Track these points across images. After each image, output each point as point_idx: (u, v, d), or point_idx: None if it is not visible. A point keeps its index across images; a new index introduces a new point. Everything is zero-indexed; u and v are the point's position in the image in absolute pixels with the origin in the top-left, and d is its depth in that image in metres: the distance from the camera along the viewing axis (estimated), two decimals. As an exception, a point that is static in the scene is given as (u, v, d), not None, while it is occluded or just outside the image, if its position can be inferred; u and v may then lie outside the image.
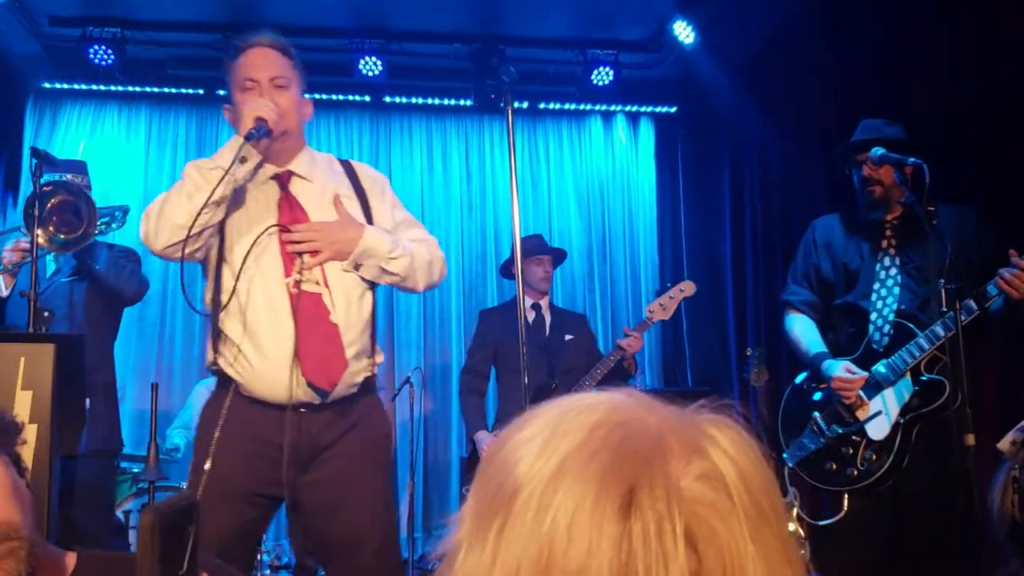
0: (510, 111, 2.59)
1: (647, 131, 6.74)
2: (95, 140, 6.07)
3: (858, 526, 2.90)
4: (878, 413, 2.84)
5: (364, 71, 5.71)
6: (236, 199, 2.20)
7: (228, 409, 2.16)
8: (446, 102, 6.44)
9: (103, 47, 5.43)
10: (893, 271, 2.96)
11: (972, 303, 2.66)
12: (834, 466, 2.92)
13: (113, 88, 5.93)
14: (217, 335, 2.23)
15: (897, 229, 3.01)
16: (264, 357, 2.15)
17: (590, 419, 0.59)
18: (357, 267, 2.25)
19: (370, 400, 2.31)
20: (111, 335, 3.61)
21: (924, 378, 2.81)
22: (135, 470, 4.16)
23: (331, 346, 2.17)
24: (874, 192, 2.99)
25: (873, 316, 2.96)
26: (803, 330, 3.13)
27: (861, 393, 2.88)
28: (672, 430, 0.58)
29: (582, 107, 6.57)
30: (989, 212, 3.07)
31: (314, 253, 2.18)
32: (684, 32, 5.51)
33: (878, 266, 2.99)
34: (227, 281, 2.20)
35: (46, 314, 2.74)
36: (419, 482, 5.28)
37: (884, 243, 3.01)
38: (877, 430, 2.85)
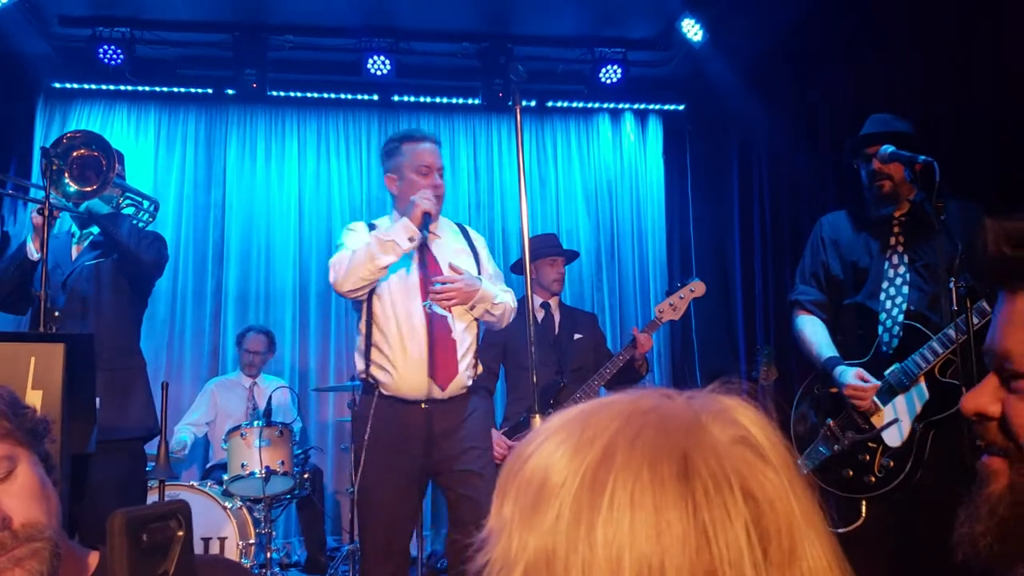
0: (518, 110, 2.58)
1: (655, 129, 6.73)
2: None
3: (876, 532, 2.87)
4: (894, 421, 2.80)
5: (372, 70, 5.71)
6: None
7: (375, 408, 2.92)
8: (454, 101, 6.44)
9: (113, 47, 5.45)
10: (902, 269, 2.92)
11: (986, 305, 2.63)
12: (851, 472, 2.88)
13: (123, 88, 5.97)
14: (368, 349, 3.00)
15: (905, 225, 2.97)
16: (406, 362, 2.93)
17: (619, 411, 0.62)
18: (472, 308, 3.05)
19: (479, 396, 3.13)
20: (138, 317, 3.58)
21: (939, 383, 2.76)
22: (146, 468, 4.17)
23: (450, 355, 2.97)
24: (883, 187, 2.95)
25: (882, 317, 2.92)
26: (813, 332, 3.09)
27: (875, 399, 2.84)
28: (699, 406, 0.63)
29: (590, 105, 6.56)
30: (1001, 210, 3.00)
31: (448, 298, 2.96)
32: (692, 30, 5.50)
33: (886, 264, 2.95)
34: (377, 308, 3.00)
35: (56, 314, 2.75)
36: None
37: (892, 240, 2.97)
38: (894, 437, 2.81)
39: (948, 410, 2.73)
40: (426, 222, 2.93)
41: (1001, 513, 0.89)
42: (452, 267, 3.04)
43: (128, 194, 3.54)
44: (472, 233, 3.26)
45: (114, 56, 5.47)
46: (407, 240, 2.90)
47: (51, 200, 2.86)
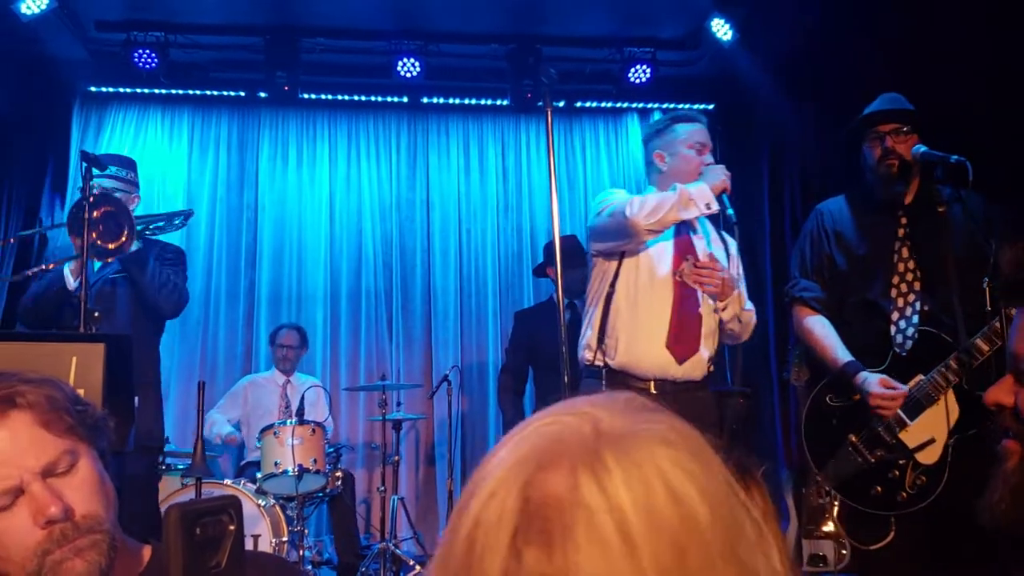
0: (549, 112, 2.60)
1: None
2: (139, 143, 6.20)
3: (907, 547, 2.74)
4: (931, 440, 2.67)
5: (402, 72, 5.75)
6: None
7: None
8: (483, 102, 6.47)
9: (147, 51, 5.54)
10: (912, 264, 2.79)
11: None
12: (880, 489, 2.74)
13: (157, 91, 6.07)
14: (604, 319, 2.92)
15: (912, 213, 2.83)
16: (643, 330, 2.85)
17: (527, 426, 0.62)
18: (725, 307, 2.93)
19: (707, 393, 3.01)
20: (155, 333, 3.66)
21: (968, 396, 2.63)
22: (180, 466, 4.24)
23: (694, 329, 2.87)
24: (892, 167, 2.80)
25: (895, 317, 2.79)
26: (825, 335, 2.91)
27: (902, 413, 2.70)
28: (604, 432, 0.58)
29: (619, 105, 6.55)
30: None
31: (709, 281, 2.86)
32: (722, 29, 5.47)
33: (895, 257, 2.81)
34: (626, 274, 2.93)
35: (96, 314, 2.81)
36: (457, 479, 5.31)
37: (900, 231, 2.84)
38: (928, 455, 2.68)
39: (979, 425, 2.61)
40: (725, 202, 2.89)
41: (1013, 482, 1.13)
42: (712, 256, 2.95)
43: (153, 225, 3.60)
44: (727, 236, 3.19)
45: (148, 60, 5.55)
46: (704, 205, 2.85)
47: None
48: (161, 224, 3.63)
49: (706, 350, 2.92)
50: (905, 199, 2.87)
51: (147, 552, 1.29)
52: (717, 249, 3.05)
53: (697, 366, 2.90)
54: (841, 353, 2.85)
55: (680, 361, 2.86)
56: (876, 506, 2.78)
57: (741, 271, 3.10)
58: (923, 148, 2.77)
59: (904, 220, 2.86)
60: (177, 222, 3.64)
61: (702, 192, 2.86)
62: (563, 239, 4.55)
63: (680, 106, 6.60)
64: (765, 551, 0.57)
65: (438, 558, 0.58)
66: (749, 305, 3.00)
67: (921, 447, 2.69)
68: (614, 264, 2.97)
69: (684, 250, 2.95)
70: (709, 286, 2.87)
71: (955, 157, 2.67)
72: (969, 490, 2.62)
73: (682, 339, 2.86)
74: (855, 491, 2.81)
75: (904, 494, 2.72)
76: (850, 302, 2.93)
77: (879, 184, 2.88)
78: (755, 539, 0.57)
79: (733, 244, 3.14)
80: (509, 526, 0.55)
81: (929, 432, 2.70)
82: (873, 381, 2.73)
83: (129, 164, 3.67)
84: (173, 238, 5.93)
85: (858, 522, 2.95)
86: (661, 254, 2.94)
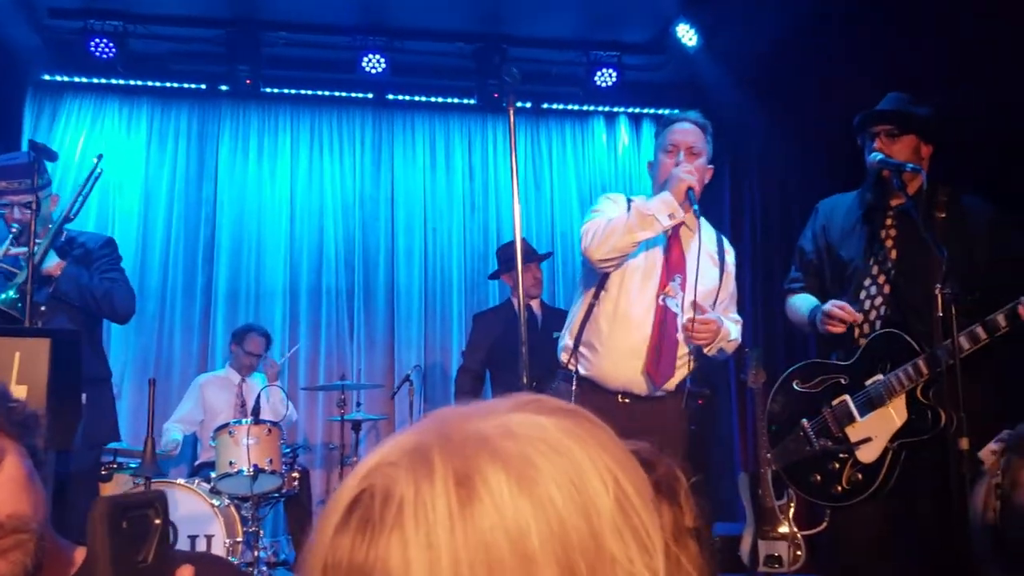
0: (511, 111, 2.58)
1: (649, 133, 6.73)
2: (95, 134, 6.07)
3: (843, 537, 2.83)
4: (868, 439, 2.72)
5: (367, 68, 5.71)
6: None
7: (574, 397, 2.77)
8: (449, 100, 6.44)
9: (104, 40, 5.43)
10: (888, 265, 2.80)
11: (980, 331, 2.53)
12: (819, 478, 2.81)
13: (114, 82, 5.94)
14: (581, 330, 2.86)
15: (899, 219, 2.83)
16: (619, 350, 2.79)
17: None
18: (709, 349, 2.85)
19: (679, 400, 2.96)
20: (95, 325, 3.50)
21: (919, 404, 2.67)
22: (132, 465, 4.16)
23: (671, 354, 2.80)
24: (877, 169, 2.79)
25: (859, 319, 2.82)
26: (803, 301, 3.01)
27: (853, 409, 2.76)
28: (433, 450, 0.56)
29: (585, 108, 6.57)
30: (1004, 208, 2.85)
31: (703, 338, 2.77)
32: (687, 35, 5.51)
33: (872, 261, 2.84)
34: (609, 287, 2.84)
35: (42, 308, 2.73)
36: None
37: (883, 234, 2.84)
38: (866, 453, 2.73)
39: (923, 434, 2.64)
40: (690, 199, 2.75)
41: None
42: (698, 305, 2.80)
43: (74, 212, 3.37)
44: (727, 247, 3.04)
45: (106, 49, 5.44)
46: (667, 217, 2.72)
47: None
48: (81, 202, 3.38)
49: (681, 371, 2.88)
50: (894, 201, 2.84)
51: (80, 554, 1.25)
52: (707, 265, 2.90)
53: (667, 385, 2.85)
54: (808, 307, 2.96)
55: (657, 387, 2.82)
56: (812, 494, 2.86)
57: (734, 287, 3.06)
58: (879, 156, 2.76)
59: (890, 223, 2.85)
60: (92, 184, 3.38)
61: (663, 203, 2.74)
62: (511, 243, 4.60)
63: (646, 111, 6.65)
64: (651, 567, 0.54)
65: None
66: (734, 334, 2.93)
67: (861, 443, 2.74)
68: (600, 275, 2.89)
69: (673, 269, 2.85)
70: (702, 341, 2.79)
71: (911, 165, 2.69)
72: (903, 494, 2.67)
73: (660, 365, 2.79)
74: (797, 476, 2.89)
75: (839, 487, 2.76)
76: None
77: (870, 184, 2.88)
78: (637, 555, 0.54)
79: (731, 256, 3.04)
80: (340, 511, 0.55)
81: (873, 431, 2.73)
82: (829, 303, 2.84)
83: (23, 171, 3.26)
84: (129, 231, 5.87)
85: (801, 507, 3.11)
86: (649, 272, 2.84)
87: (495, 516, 0.52)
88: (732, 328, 2.92)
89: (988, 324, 2.55)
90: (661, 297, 2.80)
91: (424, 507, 0.52)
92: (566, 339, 2.92)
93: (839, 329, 2.79)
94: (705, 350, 2.86)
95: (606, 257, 2.75)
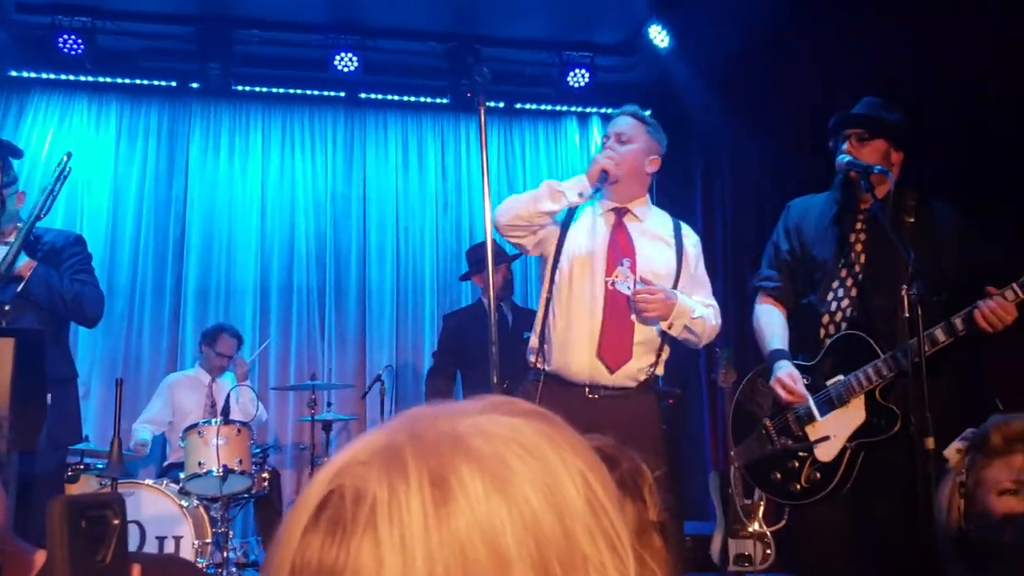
0: (482, 111, 2.59)
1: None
2: (64, 130, 5.99)
3: (804, 536, 2.88)
4: (826, 438, 2.75)
5: (339, 67, 5.69)
6: (584, 221, 2.93)
7: (540, 396, 2.78)
8: (422, 100, 6.43)
9: (73, 36, 5.36)
10: (856, 268, 2.82)
11: (940, 334, 2.56)
12: (779, 476, 2.83)
13: (83, 78, 5.86)
14: (543, 325, 2.88)
15: (868, 222, 2.84)
16: (573, 336, 2.80)
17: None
18: (670, 326, 2.85)
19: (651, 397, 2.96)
20: (61, 325, 3.45)
21: (877, 406, 2.70)
22: (99, 466, 4.11)
23: (625, 337, 2.80)
24: (850, 173, 2.80)
25: (825, 320, 2.84)
26: (768, 323, 2.97)
27: (814, 408, 2.77)
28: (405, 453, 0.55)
29: (558, 108, 6.59)
30: (967, 212, 2.90)
31: (649, 310, 2.76)
32: (659, 36, 5.54)
33: (841, 262, 2.85)
34: (558, 280, 2.87)
35: (7, 308, 2.70)
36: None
37: (852, 237, 2.86)
38: (825, 451, 2.76)
39: (880, 435, 2.67)
40: (603, 179, 2.83)
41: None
42: (644, 279, 2.83)
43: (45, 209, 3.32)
44: (686, 231, 3.06)
45: (74, 46, 5.37)
46: (576, 194, 2.81)
47: None
48: (51, 201, 3.33)
49: (643, 359, 2.86)
50: (863, 204, 2.85)
51: (40, 557, 1.24)
52: (656, 244, 2.95)
53: (629, 375, 2.84)
54: (774, 341, 2.92)
55: (612, 370, 2.80)
56: (772, 492, 2.90)
57: (701, 272, 3.05)
58: (848, 158, 2.79)
59: (861, 226, 2.87)
60: (61, 183, 3.33)
61: (576, 181, 2.86)
62: (481, 244, 4.61)
63: (618, 111, 6.67)
64: (621, 568, 0.55)
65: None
66: (699, 312, 2.89)
67: (818, 442, 2.77)
68: (549, 268, 2.92)
69: (620, 253, 2.88)
70: (652, 313, 2.78)
71: (878, 168, 2.73)
72: (862, 494, 2.71)
73: (613, 349, 2.80)
74: (759, 473, 2.92)
75: (798, 486, 2.79)
76: (800, 304, 2.98)
77: (839, 186, 2.89)
78: (608, 556, 0.55)
79: (692, 239, 3.05)
80: (308, 511, 0.55)
81: (832, 430, 2.76)
82: (783, 370, 2.81)
83: None
84: (98, 229, 5.79)
85: (771, 506, 3.15)
86: (594, 257, 2.87)
87: (470, 516, 0.52)
88: (696, 306, 2.89)
89: (946, 327, 2.59)
90: (611, 281, 2.83)
91: (398, 507, 0.52)
92: (532, 339, 2.94)
93: (780, 395, 2.80)
94: (664, 326, 2.85)
95: (509, 223, 2.81)
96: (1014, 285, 2.51)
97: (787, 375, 2.78)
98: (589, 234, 2.90)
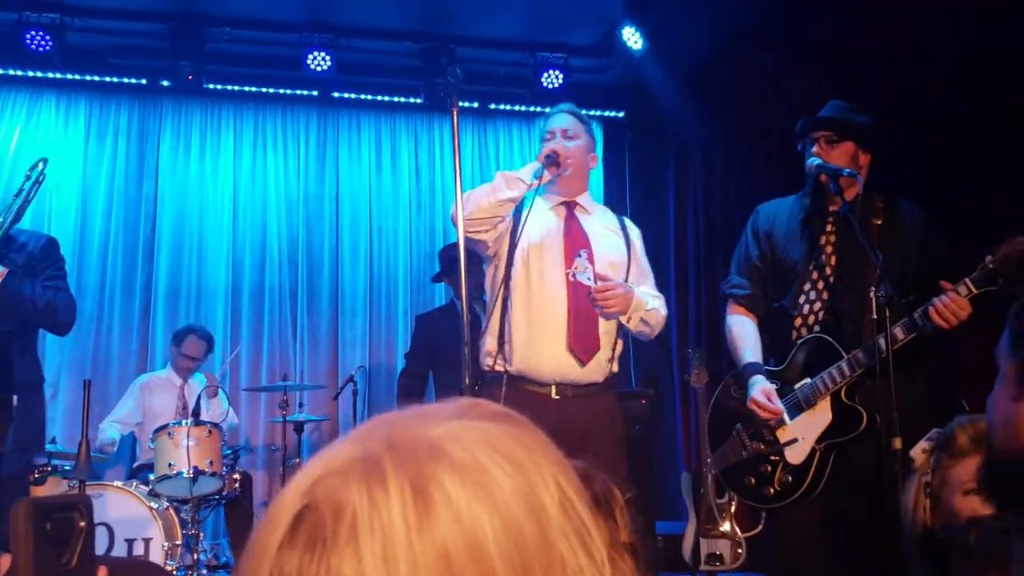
0: (455, 111, 2.59)
1: (595, 135, 6.77)
2: (31, 128, 5.89)
3: (779, 539, 2.89)
4: (795, 440, 2.78)
5: (312, 66, 5.65)
6: (535, 216, 2.92)
7: (504, 401, 2.69)
8: (396, 99, 6.41)
9: (41, 32, 5.28)
10: (827, 271, 2.84)
11: (899, 332, 2.58)
12: (753, 481, 2.86)
13: (51, 75, 5.77)
14: (501, 326, 2.88)
15: (838, 224, 2.86)
16: (541, 331, 2.82)
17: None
18: (628, 319, 2.91)
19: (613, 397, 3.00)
20: (31, 332, 3.40)
21: (843, 406, 2.73)
22: (67, 468, 4.05)
23: (592, 327, 2.85)
24: (819, 176, 2.80)
25: (797, 323, 2.86)
26: (741, 333, 2.97)
27: (784, 412, 2.79)
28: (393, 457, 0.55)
29: (532, 109, 6.59)
30: (933, 209, 2.94)
31: (609, 304, 2.81)
32: (633, 38, 5.57)
33: (812, 265, 2.87)
34: (516, 275, 2.89)
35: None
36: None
37: (823, 239, 2.88)
38: (794, 454, 2.79)
39: (846, 435, 2.69)
40: (551, 161, 2.90)
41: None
42: (601, 276, 2.88)
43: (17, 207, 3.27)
44: (629, 223, 3.17)
45: (42, 42, 5.30)
46: (531, 175, 2.89)
47: None
48: (24, 205, 3.30)
49: (607, 349, 2.90)
50: (832, 207, 2.87)
51: (5, 561, 1.22)
52: (608, 235, 3.03)
53: (598, 367, 2.87)
54: (747, 353, 2.92)
55: (583, 362, 2.82)
56: (747, 496, 2.92)
57: (645, 263, 3.11)
58: (817, 161, 2.81)
59: (830, 228, 2.88)
60: (35, 189, 3.30)
61: (529, 167, 2.94)
62: (453, 245, 4.59)
63: (592, 112, 6.70)
64: (596, 568, 0.55)
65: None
66: (652, 304, 2.95)
67: (788, 444, 2.79)
68: (503, 265, 2.93)
69: (576, 244, 2.93)
70: (614, 308, 2.82)
71: (847, 171, 2.75)
72: (834, 496, 2.73)
73: (582, 338, 2.83)
74: (733, 479, 2.94)
75: (771, 489, 2.82)
76: (772, 308, 2.98)
77: (809, 188, 2.91)
78: (583, 557, 0.55)
79: (636, 231, 3.13)
80: (283, 527, 0.54)
81: (801, 433, 2.79)
82: (758, 386, 2.81)
83: None
84: (67, 228, 5.71)
85: (742, 505, 3.17)
86: (551, 250, 2.91)
87: (454, 525, 0.52)
88: (648, 299, 2.95)
89: (907, 324, 2.61)
90: (571, 273, 2.87)
91: (380, 519, 0.51)
92: (487, 342, 2.92)
93: (758, 414, 2.81)
94: (623, 319, 2.90)
95: (471, 215, 2.81)
96: (967, 280, 2.53)
97: (761, 392, 2.79)
98: (542, 228, 2.94)
